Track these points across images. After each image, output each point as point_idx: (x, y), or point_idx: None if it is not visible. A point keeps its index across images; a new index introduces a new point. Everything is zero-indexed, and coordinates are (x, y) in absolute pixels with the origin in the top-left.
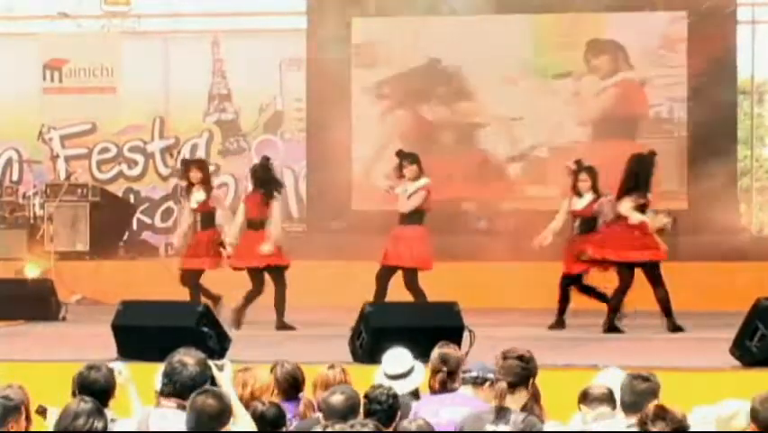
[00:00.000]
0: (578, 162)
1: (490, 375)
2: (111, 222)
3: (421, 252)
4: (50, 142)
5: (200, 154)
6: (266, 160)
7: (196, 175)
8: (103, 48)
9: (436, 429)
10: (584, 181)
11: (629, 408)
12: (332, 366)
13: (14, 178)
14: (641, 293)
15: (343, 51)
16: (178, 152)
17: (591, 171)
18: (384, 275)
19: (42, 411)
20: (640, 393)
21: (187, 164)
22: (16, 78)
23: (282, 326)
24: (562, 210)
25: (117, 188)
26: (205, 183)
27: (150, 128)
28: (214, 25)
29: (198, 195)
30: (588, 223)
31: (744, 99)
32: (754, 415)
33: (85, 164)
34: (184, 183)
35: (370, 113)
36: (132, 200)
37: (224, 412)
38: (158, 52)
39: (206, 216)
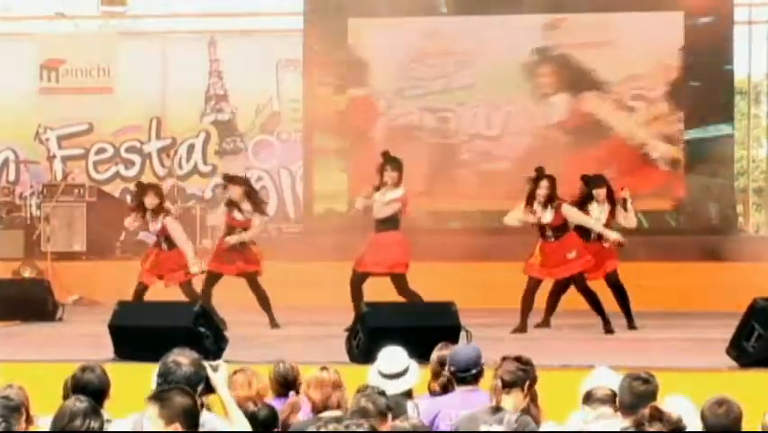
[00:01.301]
0: (538, 170)
1: (482, 362)
2: (107, 222)
3: (396, 256)
4: (47, 142)
5: (197, 155)
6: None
7: (152, 201)
8: (100, 48)
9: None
10: (543, 189)
11: (628, 409)
12: (325, 368)
13: (11, 178)
14: (639, 294)
15: (340, 52)
16: (175, 153)
17: (552, 179)
18: (358, 281)
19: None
20: (640, 395)
21: (143, 188)
22: (13, 79)
23: None
24: (515, 216)
25: (114, 189)
26: (160, 209)
27: (146, 128)
28: (210, 26)
29: (155, 224)
30: (559, 229)
31: (740, 100)
32: (703, 419)
33: (82, 165)
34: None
35: (367, 113)
36: (128, 201)
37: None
38: (155, 53)
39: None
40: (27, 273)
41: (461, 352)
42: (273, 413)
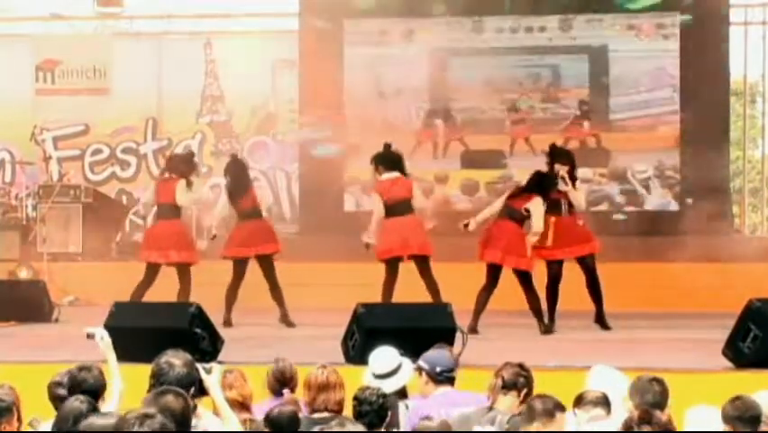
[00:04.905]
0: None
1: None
2: (103, 223)
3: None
4: (43, 143)
5: None
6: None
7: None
8: (96, 49)
9: None
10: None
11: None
12: (323, 367)
13: (7, 179)
14: (636, 294)
15: (336, 52)
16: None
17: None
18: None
19: (91, 336)
20: (662, 394)
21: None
22: (9, 80)
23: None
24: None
25: (110, 190)
26: None
27: (142, 129)
28: (206, 27)
29: None
30: None
31: (736, 101)
32: (724, 415)
33: (78, 166)
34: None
35: (363, 113)
36: (124, 201)
37: (187, 411)
38: (150, 54)
39: None
40: (23, 274)
41: (443, 353)
42: (295, 416)
